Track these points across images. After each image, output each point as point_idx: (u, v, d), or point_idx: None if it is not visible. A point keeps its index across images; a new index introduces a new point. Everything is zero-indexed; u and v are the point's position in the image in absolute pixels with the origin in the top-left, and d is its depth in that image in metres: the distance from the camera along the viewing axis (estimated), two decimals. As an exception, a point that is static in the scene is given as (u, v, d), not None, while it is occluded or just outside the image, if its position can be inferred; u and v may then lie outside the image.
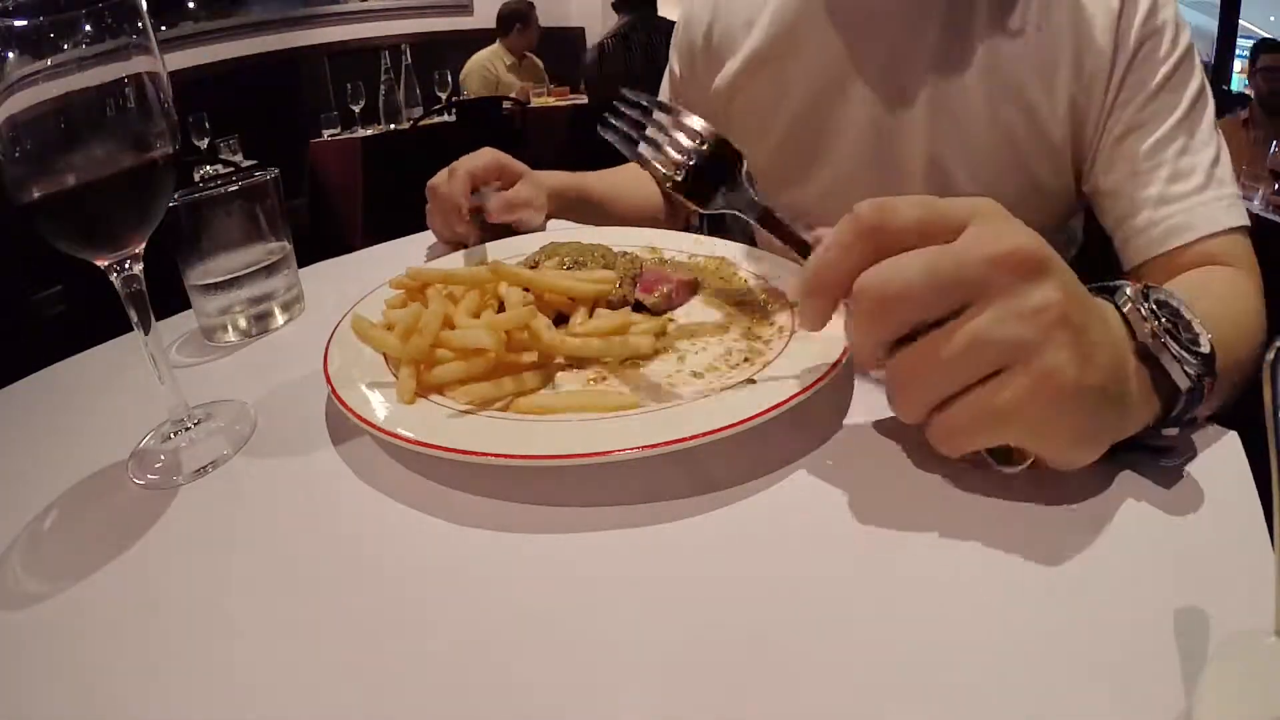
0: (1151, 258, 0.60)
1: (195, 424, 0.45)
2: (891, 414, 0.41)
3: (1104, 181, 0.63)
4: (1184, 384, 0.33)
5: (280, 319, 0.61)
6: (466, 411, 0.41)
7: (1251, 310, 0.53)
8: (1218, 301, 0.50)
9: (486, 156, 0.75)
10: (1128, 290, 0.35)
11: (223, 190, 0.57)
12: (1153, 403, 0.34)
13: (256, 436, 0.45)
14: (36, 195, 0.35)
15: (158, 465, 0.43)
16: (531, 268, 0.55)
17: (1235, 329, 0.48)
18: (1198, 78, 0.60)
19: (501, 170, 0.75)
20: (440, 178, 0.74)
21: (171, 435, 0.44)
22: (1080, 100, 0.62)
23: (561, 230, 0.76)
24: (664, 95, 0.90)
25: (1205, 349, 0.33)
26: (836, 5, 0.69)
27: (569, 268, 0.54)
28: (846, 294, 0.33)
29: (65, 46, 0.34)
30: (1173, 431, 0.35)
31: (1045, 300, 0.30)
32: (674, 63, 0.87)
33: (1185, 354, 0.33)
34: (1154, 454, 0.36)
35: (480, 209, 0.72)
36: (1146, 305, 0.34)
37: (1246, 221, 0.58)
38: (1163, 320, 0.33)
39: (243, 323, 0.59)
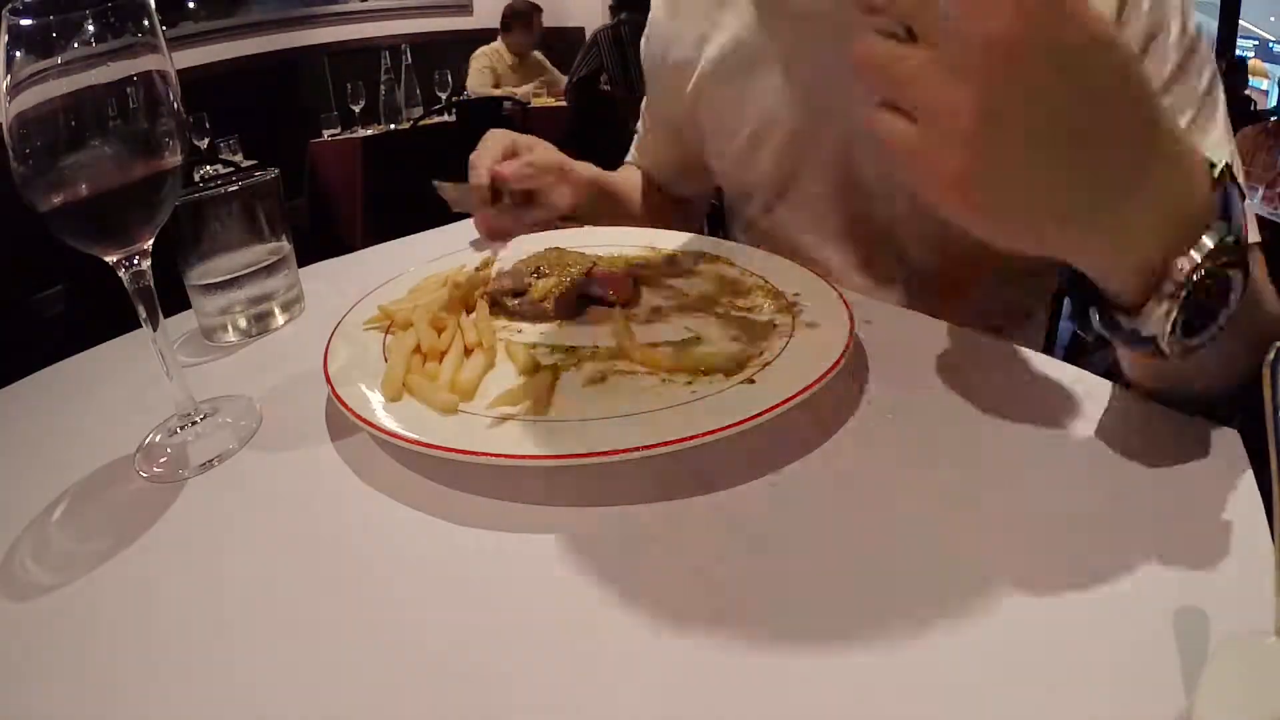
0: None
1: (201, 419, 0.45)
2: (891, 418, 0.42)
3: None
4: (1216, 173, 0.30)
5: (280, 319, 0.61)
6: (466, 412, 0.41)
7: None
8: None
9: (497, 139, 0.75)
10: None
11: (223, 190, 0.57)
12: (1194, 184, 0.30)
13: (262, 431, 0.45)
14: (47, 192, 0.36)
15: (164, 459, 0.43)
16: (533, 274, 0.55)
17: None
18: (1210, 67, 0.55)
19: (515, 146, 0.75)
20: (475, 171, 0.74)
21: (178, 430, 0.44)
22: None
23: (563, 231, 0.76)
24: (641, 125, 0.91)
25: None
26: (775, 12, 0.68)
27: (534, 273, 0.55)
28: None
29: (74, 44, 0.34)
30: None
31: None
32: (646, 74, 0.86)
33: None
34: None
35: (499, 188, 0.73)
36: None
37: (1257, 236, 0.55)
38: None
39: (243, 323, 0.59)
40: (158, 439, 0.45)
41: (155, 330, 0.42)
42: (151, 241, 0.40)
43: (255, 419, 0.46)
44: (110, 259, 0.39)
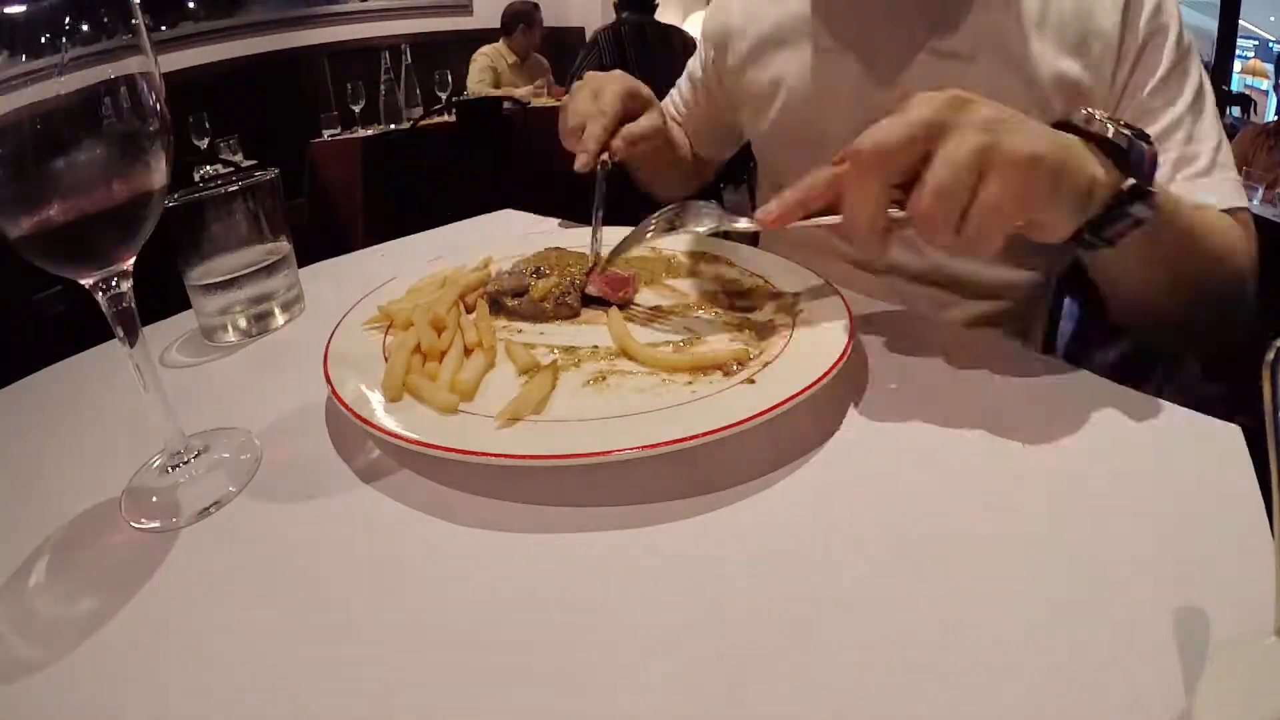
0: None
1: (195, 456, 0.41)
2: (892, 417, 0.42)
3: None
4: (1122, 142, 0.42)
5: (280, 319, 0.61)
6: (467, 412, 0.41)
7: (1240, 248, 0.57)
8: (1214, 218, 0.57)
9: (616, 96, 0.68)
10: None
11: (223, 190, 0.57)
12: (1112, 171, 0.42)
13: (262, 432, 0.44)
14: (15, 208, 0.31)
15: (154, 502, 0.39)
16: (533, 274, 0.55)
17: (1221, 236, 0.55)
18: (1198, 72, 0.64)
19: (634, 102, 0.70)
20: (578, 118, 0.68)
21: (169, 469, 0.40)
22: (1085, 81, 0.64)
23: (563, 230, 0.76)
24: (686, 84, 0.90)
25: (1141, 139, 0.42)
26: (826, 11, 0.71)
27: (534, 273, 0.55)
28: (818, 204, 0.42)
29: (51, 46, 0.30)
30: (1138, 209, 0.42)
31: (984, 113, 0.39)
32: (703, 49, 0.87)
33: (1118, 126, 0.42)
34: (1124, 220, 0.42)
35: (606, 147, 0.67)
36: (1089, 110, 0.44)
37: (1247, 204, 0.62)
38: (1098, 114, 0.43)
39: (243, 323, 0.59)
40: (146, 480, 0.41)
41: (133, 347, 0.37)
42: (132, 261, 0.36)
43: (255, 456, 0.42)
44: (86, 282, 0.35)
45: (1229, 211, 0.60)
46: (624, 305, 0.54)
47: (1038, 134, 0.40)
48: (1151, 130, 0.63)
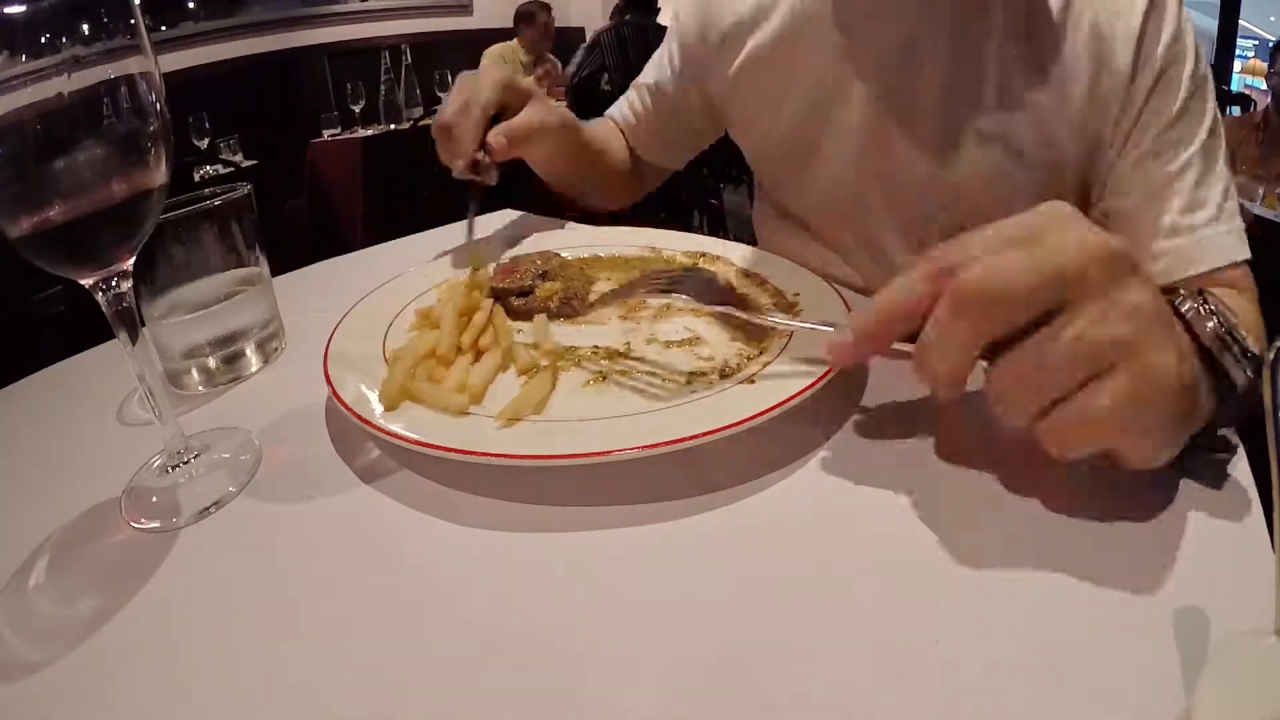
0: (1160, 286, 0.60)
1: (194, 456, 0.41)
2: (890, 417, 0.42)
3: (1115, 204, 0.62)
4: (1242, 382, 0.33)
5: (255, 363, 0.53)
6: (468, 412, 0.41)
7: (1259, 330, 0.56)
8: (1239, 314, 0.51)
9: (491, 85, 0.66)
10: (1182, 292, 0.36)
11: (185, 214, 0.48)
12: (1210, 401, 0.34)
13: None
14: (15, 208, 0.31)
15: (154, 502, 0.39)
16: (540, 276, 0.55)
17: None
18: (1212, 106, 0.60)
19: (511, 94, 0.68)
20: (450, 115, 0.65)
21: (169, 469, 0.40)
22: (1093, 121, 0.61)
23: (563, 230, 0.76)
24: (652, 82, 0.85)
25: (1254, 349, 0.34)
26: (844, 13, 0.68)
27: (540, 275, 0.55)
28: (899, 336, 0.34)
29: (51, 46, 0.30)
30: (1229, 431, 0.36)
31: (1140, 298, 0.30)
32: (674, 56, 0.83)
33: (1242, 355, 0.34)
34: (1209, 453, 0.36)
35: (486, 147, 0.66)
36: (1206, 306, 0.34)
37: (1249, 254, 0.59)
38: (1221, 320, 0.34)
39: (212, 364, 0.51)
40: (146, 480, 0.41)
41: (133, 346, 0.37)
42: (132, 261, 0.36)
43: (255, 455, 0.42)
44: (86, 282, 0.35)
45: (1231, 265, 0.58)
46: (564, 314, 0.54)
47: (1180, 348, 0.31)
48: (1162, 172, 0.59)
